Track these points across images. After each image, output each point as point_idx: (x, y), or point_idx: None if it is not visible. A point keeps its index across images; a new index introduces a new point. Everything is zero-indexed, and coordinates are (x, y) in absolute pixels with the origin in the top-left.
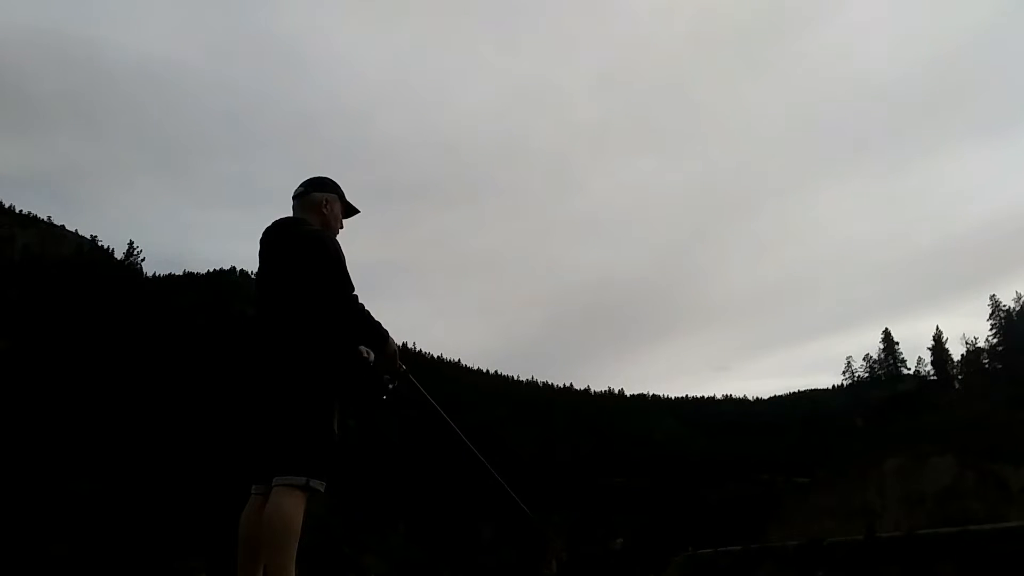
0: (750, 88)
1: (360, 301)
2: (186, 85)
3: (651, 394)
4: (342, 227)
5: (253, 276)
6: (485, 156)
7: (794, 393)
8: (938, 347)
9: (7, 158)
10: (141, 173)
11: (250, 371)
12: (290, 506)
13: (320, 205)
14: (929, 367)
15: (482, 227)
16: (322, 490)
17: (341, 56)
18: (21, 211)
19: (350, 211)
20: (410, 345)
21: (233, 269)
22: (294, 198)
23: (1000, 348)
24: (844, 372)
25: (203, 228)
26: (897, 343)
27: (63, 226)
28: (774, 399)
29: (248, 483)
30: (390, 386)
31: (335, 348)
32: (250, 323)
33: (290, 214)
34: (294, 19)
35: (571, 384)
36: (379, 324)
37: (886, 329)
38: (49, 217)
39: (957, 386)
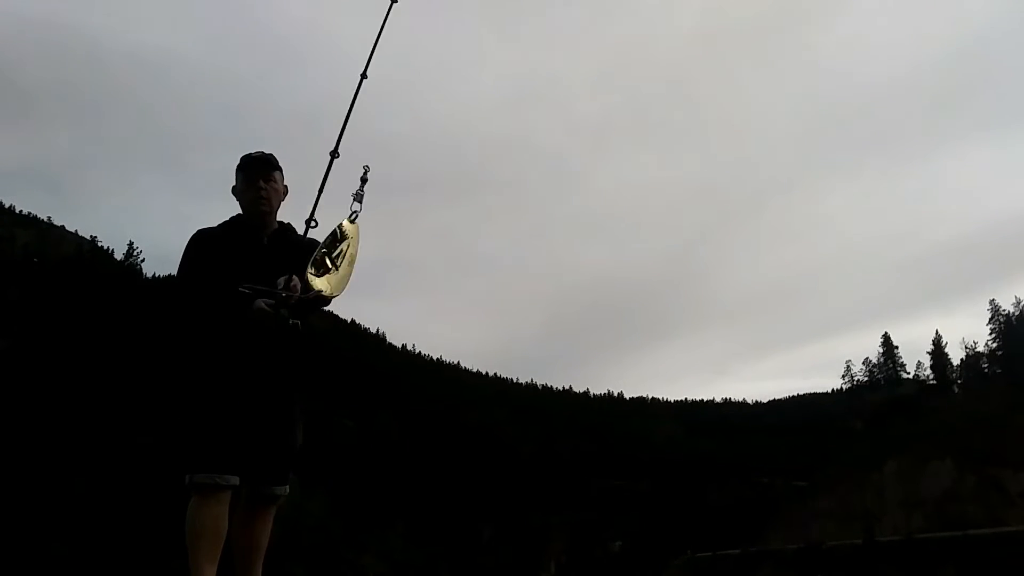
0: (753, 86)
1: (189, 291)
2: (185, 78)
3: (651, 397)
4: (260, 194)
5: None
6: (486, 153)
7: (793, 396)
8: (938, 351)
9: (4, 154)
10: (141, 169)
11: None
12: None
13: (236, 197)
14: (928, 371)
15: (482, 226)
16: (207, 482)
17: (341, 49)
18: (21, 211)
19: (251, 165)
20: (410, 347)
21: None
22: None
23: (1000, 352)
24: (843, 376)
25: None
26: (897, 347)
27: (63, 226)
28: (773, 402)
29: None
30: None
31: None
32: None
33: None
34: (293, 11)
35: (570, 387)
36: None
37: (886, 333)
38: (49, 217)
39: (956, 390)
